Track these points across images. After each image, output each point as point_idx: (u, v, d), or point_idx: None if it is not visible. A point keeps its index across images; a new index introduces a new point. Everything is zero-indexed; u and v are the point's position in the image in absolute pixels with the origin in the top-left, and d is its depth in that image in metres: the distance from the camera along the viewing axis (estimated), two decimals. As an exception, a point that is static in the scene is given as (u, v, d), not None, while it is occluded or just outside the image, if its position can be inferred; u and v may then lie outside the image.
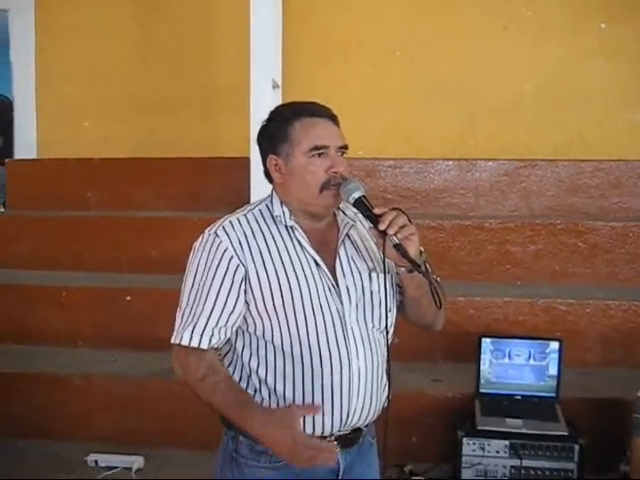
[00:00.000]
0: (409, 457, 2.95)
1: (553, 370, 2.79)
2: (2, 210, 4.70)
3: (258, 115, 3.74)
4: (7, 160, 4.83)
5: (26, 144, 4.83)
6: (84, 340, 3.67)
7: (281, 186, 1.65)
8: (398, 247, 1.48)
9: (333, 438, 1.60)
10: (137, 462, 2.94)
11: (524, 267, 3.78)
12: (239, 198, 3.92)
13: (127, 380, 3.30)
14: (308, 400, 1.56)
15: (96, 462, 2.96)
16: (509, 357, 2.82)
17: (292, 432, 1.47)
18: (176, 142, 4.53)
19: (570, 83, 4.23)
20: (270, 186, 1.73)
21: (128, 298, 3.66)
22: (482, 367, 2.84)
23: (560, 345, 2.79)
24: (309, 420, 1.57)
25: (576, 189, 4.11)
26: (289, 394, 1.56)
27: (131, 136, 4.63)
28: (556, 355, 2.78)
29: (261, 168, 1.73)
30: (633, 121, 4.22)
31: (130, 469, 2.91)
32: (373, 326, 1.62)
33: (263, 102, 3.83)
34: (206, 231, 1.62)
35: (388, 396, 1.66)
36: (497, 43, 4.31)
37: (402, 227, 1.49)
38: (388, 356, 1.63)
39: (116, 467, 2.93)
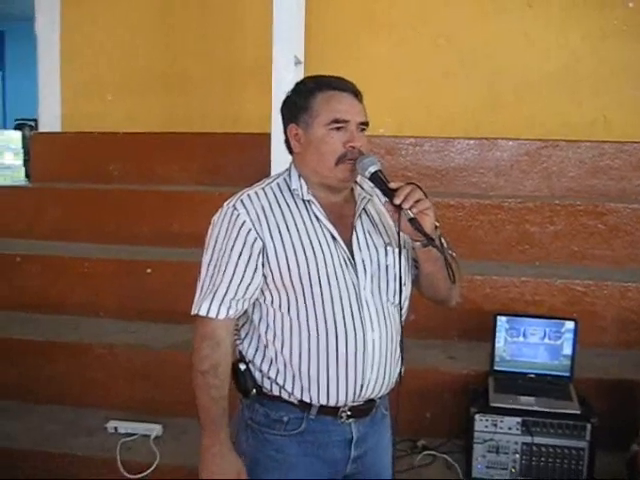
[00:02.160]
0: (422, 432, 2.98)
1: (568, 350, 2.79)
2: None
3: (280, 92, 3.75)
4: (32, 132, 4.89)
5: (51, 118, 4.88)
6: (105, 310, 3.73)
7: (299, 156, 1.67)
8: (413, 221, 1.51)
9: (347, 409, 1.64)
10: (156, 430, 2.99)
11: (542, 247, 3.76)
12: (260, 174, 3.91)
13: (146, 351, 3.33)
14: (322, 372, 1.60)
15: (116, 429, 3.01)
16: (524, 336, 2.83)
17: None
18: (199, 118, 4.56)
19: (595, 63, 4.18)
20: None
21: (149, 270, 3.70)
22: (497, 345, 2.84)
23: (575, 325, 2.78)
24: (323, 392, 1.61)
25: (597, 170, 4.08)
26: (304, 366, 1.60)
27: (155, 111, 4.66)
28: (571, 335, 2.78)
29: (282, 144, 1.75)
30: (658, 103, 4.17)
31: (149, 436, 2.97)
32: (387, 300, 1.64)
33: (285, 78, 3.84)
34: (225, 204, 1.65)
35: (401, 370, 1.69)
36: (522, 21, 4.25)
37: (417, 201, 1.52)
38: (402, 330, 1.66)
39: (135, 434, 2.99)
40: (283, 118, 1.72)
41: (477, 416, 2.63)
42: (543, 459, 2.59)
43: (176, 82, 4.65)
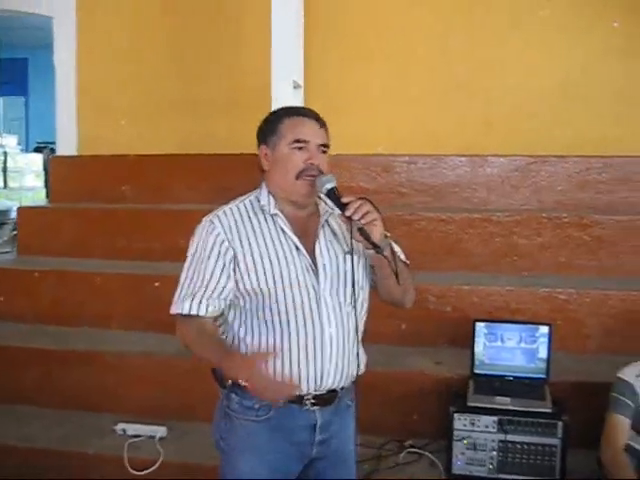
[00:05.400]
0: (410, 433, 3.15)
1: (543, 353, 2.94)
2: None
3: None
4: (51, 156, 5.19)
5: (68, 142, 5.17)
6: (116, 322, 3.97)
7: (268, 174, 1.92)
8: (361, 230, 1.73)
9: (311, 397, 1.85)
10: (160, 431, 3.22)
11: (530, 258, 3.93)
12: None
13: (154, 359, 3.56)
14: (286, 364, 1.81)
15: (124, 430, 3.24)
16: (502, 340, 2.99)
17: (259, 373, 1.66)
18: (206, 140, 4.78)
19: (581, 81, 4.38)
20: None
21: (157, 284, 3.93)
22: (476, 350, 3.01)
23: (550, 329, 2.95)
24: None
25: (585, 184, 4.25)
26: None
27: (164, 134, 4.92)
28: (546, 339, 2.94)
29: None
30: (644, 118, 4.34)
31: (154, 437, 3.19)
32: (345, 301, 1.86)
33: (284, 102, 4.07)
34: (204, 218, 1.90)
35: (359, 366, 1.90)
36: (511, 42, 4.47)
37: (366, 214, 1.73)
38: (357, 330, 1.87)
39: (141, 435, 3.21)
40: (257, 141, 1.95)
41: (456, 415, 2.81)
42: (518, 455, 2.76)
43: (184, 107, 4.90)
